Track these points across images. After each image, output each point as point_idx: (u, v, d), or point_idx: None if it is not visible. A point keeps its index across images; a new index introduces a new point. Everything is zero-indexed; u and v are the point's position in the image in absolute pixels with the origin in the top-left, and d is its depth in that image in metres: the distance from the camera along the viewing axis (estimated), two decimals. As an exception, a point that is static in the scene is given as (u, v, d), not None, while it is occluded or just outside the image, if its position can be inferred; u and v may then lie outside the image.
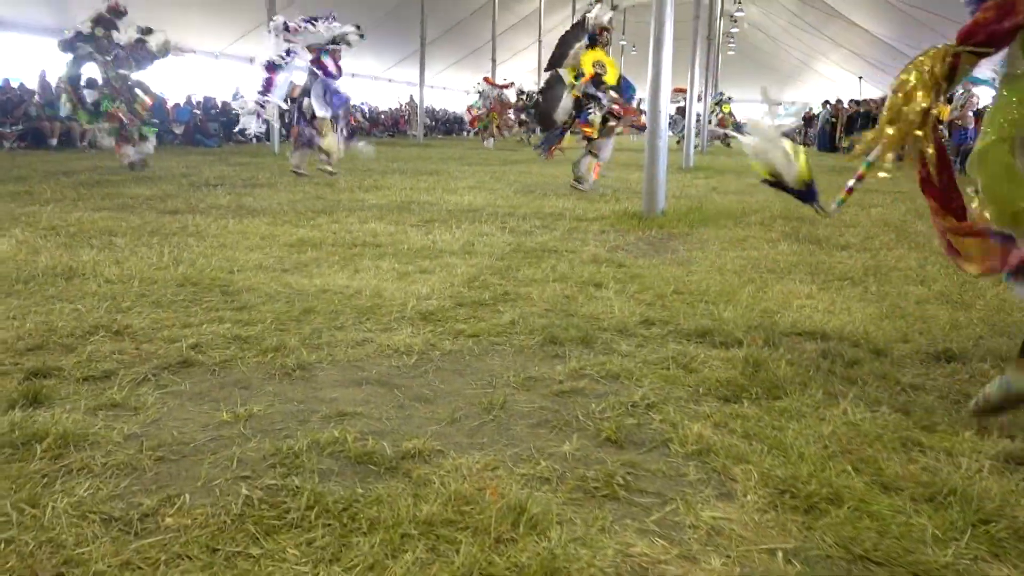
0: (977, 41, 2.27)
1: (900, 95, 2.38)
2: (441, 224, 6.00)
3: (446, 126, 32.75)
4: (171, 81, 22.72)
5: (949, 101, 16.68)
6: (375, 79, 33.82)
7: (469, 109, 22.48)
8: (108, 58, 9.96)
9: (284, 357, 2.72)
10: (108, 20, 9.95)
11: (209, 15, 21.87)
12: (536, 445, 2.07)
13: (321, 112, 9.21)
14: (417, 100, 25.18)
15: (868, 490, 1.82)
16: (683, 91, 16.42)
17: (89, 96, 9.94)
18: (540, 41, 35.10)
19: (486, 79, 22.39)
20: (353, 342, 2.93)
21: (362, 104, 30.99)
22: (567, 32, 9.02)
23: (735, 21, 35.63)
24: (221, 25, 22.69)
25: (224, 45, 23.89)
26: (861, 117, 22.90)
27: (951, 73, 2.33)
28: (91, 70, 10.12)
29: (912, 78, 2.36)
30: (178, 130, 18.60)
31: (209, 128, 19.20)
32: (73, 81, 9.96)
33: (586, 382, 2.56)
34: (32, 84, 16.51)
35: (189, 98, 20.94)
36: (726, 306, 3.56)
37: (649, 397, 2.41)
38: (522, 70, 36.43)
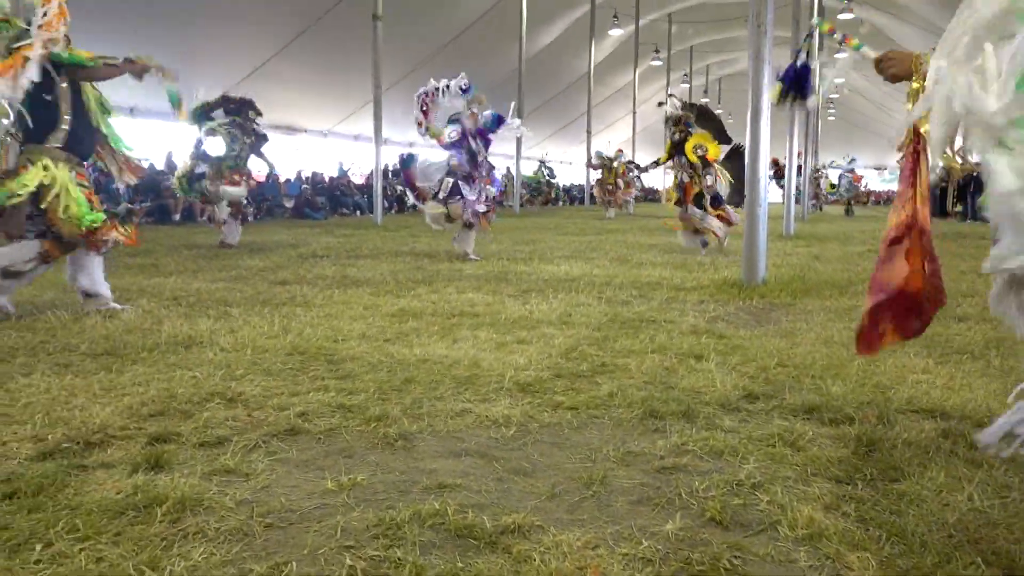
0: None
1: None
2: (538, 294, 6.05)
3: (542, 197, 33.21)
4: (282, 157, 24.21)
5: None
6: (473, 152, 34.79)
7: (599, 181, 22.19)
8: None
9: (386, 427, 2.78)
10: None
11: (319, 97, 23.30)
12: (638, 523, 2.02)
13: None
14: (514, 172, 25.78)
15: (1001, 585, 1.69)
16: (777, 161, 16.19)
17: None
18: (634, 112, 35.67)
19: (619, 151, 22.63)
20: (452, 412, 2.96)
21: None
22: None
23: (835, 87, 35.13)
24: (329, 106, 24.11)
25: (332, 124, 25.32)
26: (974, 180, 21.93)
27: None
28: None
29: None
30: (288, 204, 19.61)
31: (317, 202, 20.16)
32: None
33: (688, 458, 2.49)
34: (160, 165, 17.87)
35: (299, 173, 22.15)
36: (834, 380, 3.42)
37: (755, 476, 2.32)
38: (616, 141, 36.87)
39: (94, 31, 15.29)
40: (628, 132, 36.92)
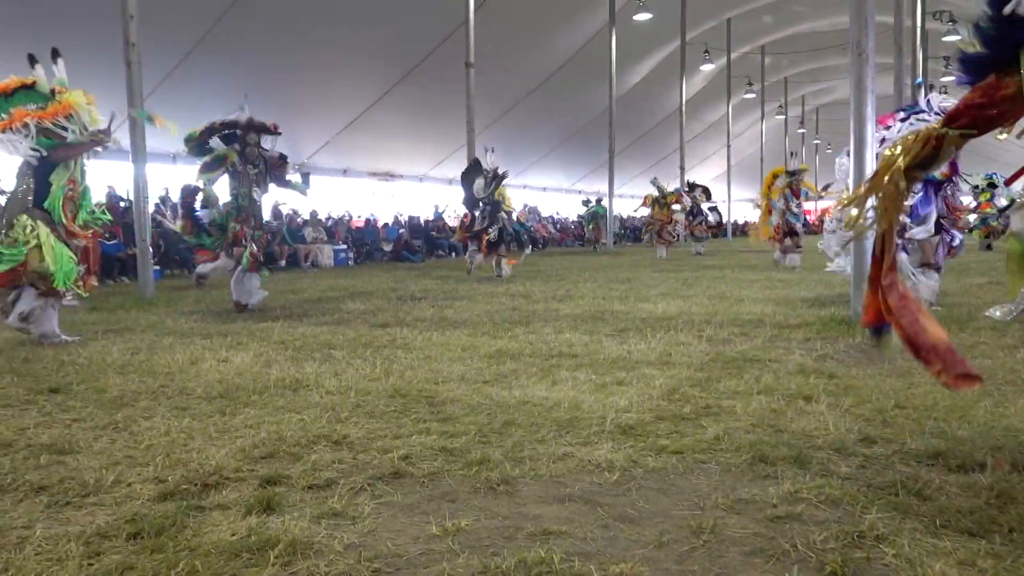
0: (962, 124, 2.42)
1: (882, 168, 2.66)
2: (636, 333, 5.97)
3: (635, 234, 33.01)
4: (380, 202, 25.01)
5: None
6: (565, 192, 35.17)
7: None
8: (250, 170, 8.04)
9: (488, 471, 2.77)
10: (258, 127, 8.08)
11: (415, 143, 24.07)
12: (752, 576, 1.93)
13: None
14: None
15: None
16: None
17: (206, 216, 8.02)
18: (728, 146, 35.17)
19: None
20: (554, 456, 2.93)
21: (554, 215, 32.19)
22: None
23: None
24: (425, 151, 24.85)
25: (427, 169, 26.06)
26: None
27: (934, 153, 2.52)
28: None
29: (896, 153, 2.59)
30: (387, 247, 20.19)
31: (415, 245, 20.67)
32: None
33: (803, 507, 2.37)
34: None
35: (396, 218, 22.80)
36: (959, 423, 3.20)
37: (878, 527, 2.18)
38: (708, 176, 36.36)
39: (201, 89, 16.29)
40: (722, 166, 36.39)
